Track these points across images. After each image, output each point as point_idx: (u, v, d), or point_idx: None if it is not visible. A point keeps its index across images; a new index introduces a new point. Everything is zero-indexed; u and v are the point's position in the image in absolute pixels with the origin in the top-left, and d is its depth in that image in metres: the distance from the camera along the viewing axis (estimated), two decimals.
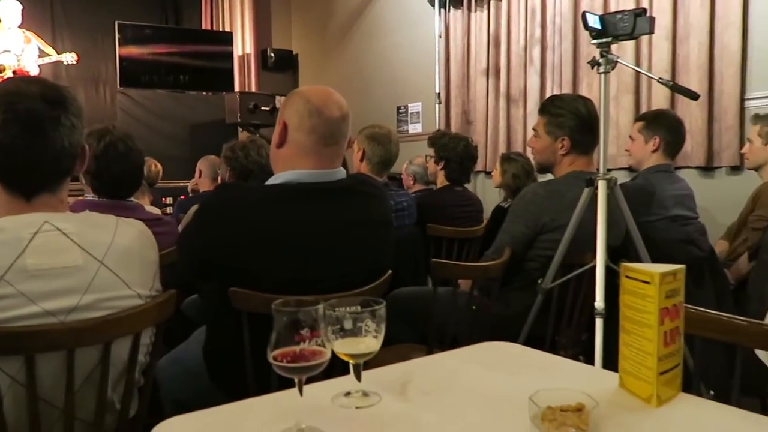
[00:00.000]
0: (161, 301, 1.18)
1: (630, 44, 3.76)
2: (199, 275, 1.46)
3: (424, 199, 2.98)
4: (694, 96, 1.81)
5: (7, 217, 1.08)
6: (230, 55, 6.50)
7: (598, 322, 1.76)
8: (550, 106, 2.15)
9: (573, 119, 2.08)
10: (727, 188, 3.46)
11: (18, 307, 1.03)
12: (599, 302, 1.77)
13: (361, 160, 2.61)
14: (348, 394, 0.92)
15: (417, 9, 5.39)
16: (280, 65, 6.67)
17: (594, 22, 1.70)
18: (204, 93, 6.44)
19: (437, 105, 5.15)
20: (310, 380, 0.97)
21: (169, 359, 1.67)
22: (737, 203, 2.85)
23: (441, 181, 3.15)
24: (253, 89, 6.68)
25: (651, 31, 1.71)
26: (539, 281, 1.96)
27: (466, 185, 3.26)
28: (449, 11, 5.08)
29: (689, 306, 0.98)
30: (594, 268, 1.85)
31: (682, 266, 0.92)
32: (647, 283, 0.89)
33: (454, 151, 3.02)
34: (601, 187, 1.82)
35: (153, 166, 4.47)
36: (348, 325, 0.88)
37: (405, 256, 2.54)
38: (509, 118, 4.62)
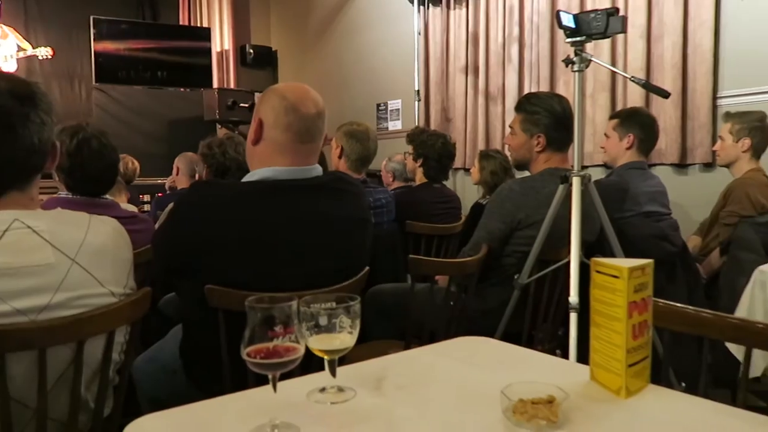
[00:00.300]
0: (135, 299, 1.17)
1: (606, 43, 3.82)
2: (175, 273, 1.45)
3: (402, 196, 2.99)
4: (664, 94, 1.85)
5: None
6: (208, 51, 6.45)
7: (573, 317, 1.79)
8: (525, 104, 2.17)
9: (548, 117, 2.10)
10: (700, 185, 3.53)
11: None
12: (573, 297, 1.80)
13: (340, 158, 2.61)
14: (323, 389, 0.93)
15: (396, 6, 5.40)
16: (259, 62, 6.63)
17: (568, 20, 1.72)
18: (182, 89, 6.38)
19: (416, 102, 5.17)
20: (285, 376, 0.97)
21: (145, 358, 1.66)
22: (710, 199, 2.91)
23: (420, 178, 3.16)
24: (232, 86, 6.63)
25: (623, 30, 1.74)
26: (516, 277, 1.99)
27: (444, 182, 3.28)
28: (428, 8, 5.10)
29: (657, 299, 1.00)
30: (569, 263, 1.88)
31: (650, 261, 0.94)
32: (616, 277, 0.91)
33: (433, 149, 3.04)
34: (576, 183, 1.84)
35: (130, 163, 4.42)
36: (323, 321, 0.89)
37: (384, 252, 2.54)
38: (488, 116, 4.65)
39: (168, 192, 4.16)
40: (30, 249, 1.06)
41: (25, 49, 5.74)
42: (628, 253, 1.98)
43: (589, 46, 3.88)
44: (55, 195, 1.93)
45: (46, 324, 1.04)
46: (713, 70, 3.45)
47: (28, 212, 1.11)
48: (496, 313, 2.02)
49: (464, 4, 4.80)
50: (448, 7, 4.93)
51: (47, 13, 6.67)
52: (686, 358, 1.76)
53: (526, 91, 4.30)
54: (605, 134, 2.76)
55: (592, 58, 1.82)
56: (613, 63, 3.83)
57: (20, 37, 5.79)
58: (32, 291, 1.05)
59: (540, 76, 4.27)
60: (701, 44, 3.46)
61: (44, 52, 5.67)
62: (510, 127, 2.26)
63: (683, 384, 1.93)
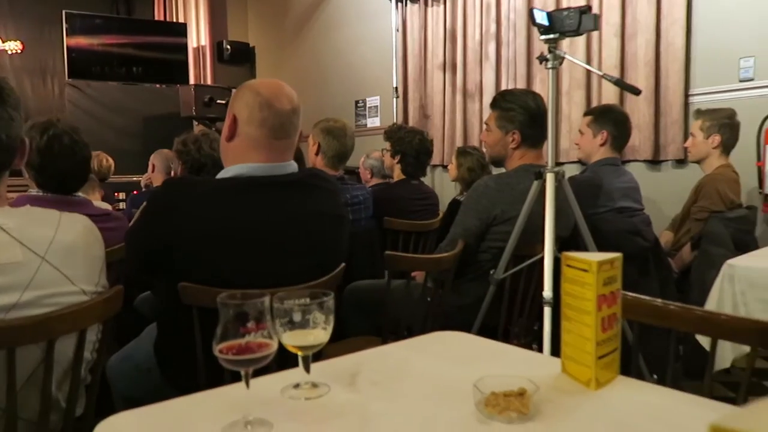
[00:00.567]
0: (108, 297, 1.16)
1: (582, 41, 3.86)
2: (149, 270, 1.44)
3: (380, 193, 2.99)
4: (635, 92, 1.88)
5: None
6: (184, 46, 6.37)
7: (547, 311, 1.81)
8: (500, 101, 2.19)
9: (523, 114, 2.12)
10: (672, 181, 3.59)
11: None
12: (547, 291, 1.82)
13: (317, 154, 2.60)
14: (297, 385, 0.93)
15: (374, 3, 5.39)
16: (236, 58, 6.57)
17: (541, 18, 1.74)
18: (158, 85, 6.29)
19: (395, 99, 5.17)
20: (260, 373, 0.97)
21: (119, 356, 1.64)
22: (682, 195, 2.97)
23: (397, 174, 3.17)
24: (209, 82, 6.55)
25: (596, 28, 1.76)
26: (491, 272, 2.01)
27: (422, 179, 3.29)
28: (406, 5, 5.10)
29: (626, 293, 1.02)
30: (544, 258, 1.90)
31: (619, 254, 0.96)
32: (586, 271, 0.93)
33: (410, 145, 3.05)
34: (549, 179, 1.87)
35: (104, 160, 4.36)
36: (297, 317, 0.89)
37: (361, 249, 2.55)
38: (466, 113, 4.68)
39: (144, 189, 4.11)
40: None
41: None
42: (602, 248, 2.01)
43: (565, 44, 3.95)
44: (25, 193, 1.90)
45: (15, 323, 1.02)
46: (685, 67, 3.51)
47: None
48: (472, 308, 2.04)
49: (441, 1, 4.81)
50: (425, 4, 4.94)
51: (18, 7, 6.51)
52: (659, 351, 1.80)
53: (503, 88, 4.33)
54: (579, 131, 2.80)
55: (566, 56, 1.84)
56: (589, 60, 3.88)
57: None
58: (0, 289, 1.04)
59: (517, 74, 4.30)
60: (673, 42, 3.52)
61: (13, 46, 5.56)
62: (485, 123, 2.28)
63: (655, 376, 1.97)
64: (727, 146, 2.81)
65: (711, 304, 2.12)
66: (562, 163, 4.06)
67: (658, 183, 3.66)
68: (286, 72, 6.31)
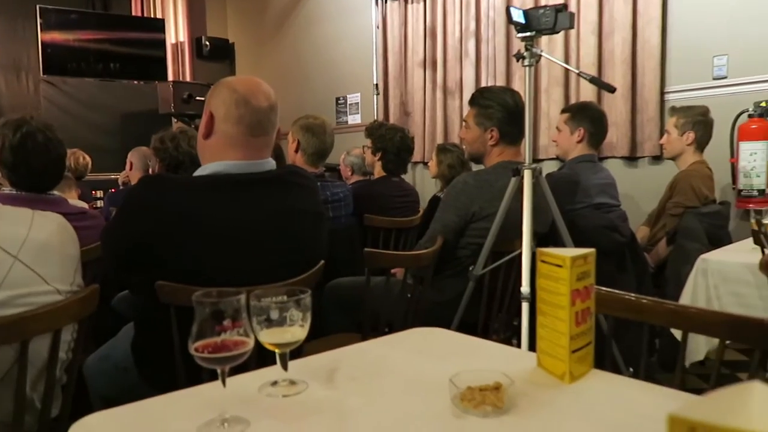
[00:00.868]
0: (83, 296, 1.15)
1: (560, 39, 3.90)
2: (126, 269, 1.43)
3: (360, 190, 2.99)
4: (610, 89, 1.91)
5: None
6: (162, 42, 6.29)
7: (524, 306, 1.83)
8: (479, 98, 2.21)
9: (501, 111, 2.14)
10: (649, 177, 3.65)
11: None
12: (525, 287, 1.84)
13: (296, 152, 2.60)
14: (275, 383, 0.93)
15: None
16: (215, 54, 6.51)
17: (518, 16, 1.75)
18: (135, 82, 6.22)
19: (375, 96, 5.17)
20: (238, 371, 0.97)
21: (97, 356, 1.62)
22: (659, 191, 3.02)
23: (378, 171, 3.17)
24: (188, 78, 6.50)
25: (571, 26, 1.78)
26: (470, 268, 2.02)
27: (403, 176, 3.30)
28: (386, 2, 5.10)
29: (600, 287, 1.04)
30: (522, 254, 1.91)
31: (592, 250, 0.97)
32: (559, 266, 0.94)
33: (391, 142, 3.05)
34: (527, 176, 1.88)
35: (81, 158, 4.30)
36: (274, 315, 0.89)
37: (342, 246, 2.55)
38: (446, 110, 4.70)
39: (121, 187, 4.06)
40: None
41: None
42: (579, 244, 2.03)
43: (544, 41, 3.98)
44: None
45: None
46: (661, 65, 3.57)
47: None
48: (452, 304, 2.05)
49: None
50: (405, 1, 4.95)
51: None
52: (635, 344, 1.83)
53: (483, 85, 4.36)
54: (557, 128, 2.83)
55: (543, 53, 1.86)
56: (567, 58, 3.92)
57: None
58: None
59: (496, 71, 4.33)
60: (649, 40, 3.57)
61: None
62: (464, 121, 2.29)
63: (631, 369, 2.01)
64: (701, 143, 2.86)
65: (685, 298, 2.16)
66: (541, 160, 4.10)
67: (635, 179, 3.71)
68: (265, 68, 6.28)
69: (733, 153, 3.30)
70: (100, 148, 5.31)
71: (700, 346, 2.07)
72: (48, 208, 1.30)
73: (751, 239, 2.07)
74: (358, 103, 5.48)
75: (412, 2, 4.90)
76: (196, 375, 1.16)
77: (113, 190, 4.19)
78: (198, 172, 1.39)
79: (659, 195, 3.00)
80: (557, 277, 0.95)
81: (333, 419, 0.84)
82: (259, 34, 6.45)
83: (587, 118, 2.70)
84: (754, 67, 3.28)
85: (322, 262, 1.51)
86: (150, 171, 3.26)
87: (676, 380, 1.08)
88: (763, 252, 1.90)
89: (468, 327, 1.99)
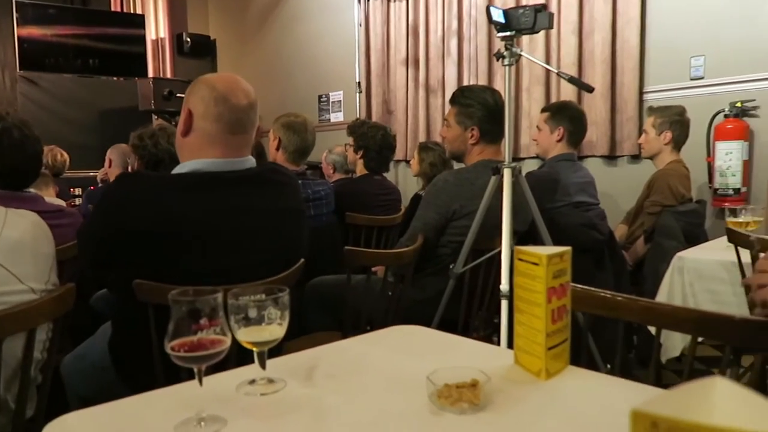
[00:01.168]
0: (58, 295, 1.14)
1: (541, 39, 3.93)
2: (103, 267, 1.41)
3: (342, 188, 2.99)
4: (588, 89, 1.93)
5: None
6: (142, 38, 6.21)
7: (504, 304, 1.84)
8: (459, 97, 2.22)
9: (481, 110, 2.15)
10: (628, 176, 3.70)
11: None
12: (504, 285, 1.85)
13: (277, 149, 2.59)
14: (253, 381, 0.93)
15: None
16: (196, 51, 6.45)
17: (498, 16, 1.77)
18: (114, 78, 6.13)
19: (358, 94, 5.17)
20: (217, 370, 0.96)
21: (74, 356, 1.61)
22: (638, 189, 3.06)
23: (360, 169, 3.17)
24: (169, 75, 6.42)
25: (550, 26, 1.79)
26: (451, 266, 2.03)
27: (385, 174, 3.31)
28: (369, 0, 5.09)
29: (576, 285, 1.05)
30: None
31: (568, 248, 0.98)
32: (536, 264, 0.95)
33: (373, 140, 3.05)
34: (506, 175, 1.90)
35: (59, 155, 4.24)
36: (252, 313, 0.89)
37: (323, 244, 2.54)
38: (428, 108, 4.71)
39: (100, 185, 4.01)
40: None
41: None
42: (559, 242, 2.05)
43: (525, 41, 4.00)
44: None
45: None
46: (639, 65, 3.61)
47: None
48: (433, 302, 2.06)
49: None
50: None
51: None
52: (613, 341, 1.85)
53: (465, 84, 4.38)
54: (537, 127, 2.85)
55: (522, 53, 1.88)
56: (548, 58, 3.95)
57: None
58: None
59: (478, 70, 4.35)
60: (629, 41, 3.61)
61: None
62: (445, 119, 2.30)
63: (608, 365, 2.03)
64: (678, 142, 2.90)
65: (662, 295, 2.20)
66: (523, 159, 4.13)
67: (615, 178, 3.76)
68: (248, 66, 6.24)
69: (710, 152, 3.35)
70: (79, 145, 5.24)
71: (676, 343, 2.10)
72: (23, 206, 1.28)
73: (725, 237, 2.11)
74: (340, 101, 5.47)
75: (395, 1, 4.90)
76: (174, 374, 1.15)
77: (92, 187, 4.14)
78: (176, 170, 1.38)
79: (638, 193, 3.04)
80: (534, 275, 0.96)
81: (311, 417, 0.84)
82: (241, 31, 6.41)
83: (567, 118, 2.72)
84: (731, 67, 3.33)
85: (302, 260, 1.51)
86: (129, 168, 3.23)
87: (650, 376, 1.10)
88: (742, 273, 1.92)
89: (449, 325, 2.00)
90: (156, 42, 6.57)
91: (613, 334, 1.71)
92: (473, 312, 2.13)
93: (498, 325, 2.24)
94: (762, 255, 0.96)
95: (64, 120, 5.73)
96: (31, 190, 1.86)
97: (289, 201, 1.49)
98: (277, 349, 1.13)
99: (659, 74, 3.59)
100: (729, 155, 3.21)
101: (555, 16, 3.80)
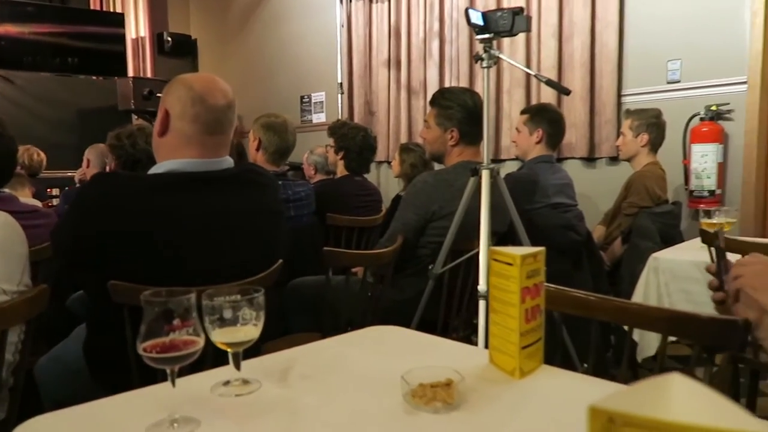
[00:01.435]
0: (31, 296, 1.12)
1: (521, 42, 3.97)
2: (78, 268, 1.39)
3: (323, 189, 2.99)
4: (565, 91, 1.95)
5: None
6: (122, 37, 6.15)
7: (482, 304, 1.86)
8: (439, 99, 2.23)
9: (461, 111, 2.17)
10: (606, 177, 3.74)
11: None
12: (482, 285, 1.87)
13: (257, 150, 2.58)
14: (227, 383, 0.92)
15: None
16: (177, 50, 6.40)
17: (476, 18, 1.78)
18: (94, 77, 6.06)
19: (339, 95, 5.17)
20: (192, 371, 0.96)
21: (48, 358, 1.58)
22: (616, 191, 3.10)
23: (341, 170, 3.17)
24: (149, 75, 6.36)
25: (527, 29, 1.81)
26: (430, 267, 2.04)
27: (366, 175, 3.31)
28: (351, 1, 5.10)
29: (549, 285, 1.07)
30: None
31: (542, 249, 1.00)
32: (510, 264, 0.96)
33: (353, 141, 3.06)
34: (485, 176, 1.91)
35: (35, 154, 4.18)
36: (227, 314, 0.88)
37: (304, 245, 2.54)
38: (410, 109, 4.72)
39: (77, 185, 3.96)
40: None
41: None
42: (537, 242, 2.06)
43: (506, 44, 4.03)
44: None
45: None
46: (618, 69, 3.66)
47: None
48: (412, 302, 2.07)
49: None
50: (370, 0, 4.95)
51: None
52: (591, 342, 1.87)
53: (446, 85, 4.40)
54: (516, 129, 2.88)
55: (501, 56, 1.89)
56: (528, 61, 3.98)
57: None
58: None
59: (460, 71, 4.37)
60: (607, 44, 3.66)
61: None
62: (425, 121, 2.31)
63: (585, 365, 2.05)
64: (654, 144, 2.95)
65: (638, 295, 2.23)
66: (503, 160, 4.16)
67: (594, 179, 3.80)
68: (229, 66, 6.20)
69: (686, 155, 3.41)
70: (57, 144, 5.17)
71: (651, 342, 2.13)
72: None
73: (699, 238, 2.15)
74: (322, 101, 5.46)
75: (377, 2, 4.91)
76: (150, 376, 1.14)
77: (69, 188, 4.08)
78: (153, 170, 1.37)
79: (616, 195, 3.08)
80: (508, 275, 0.97)
81: (285, 418, 0.84)
82: (223, 31, 6.37)
83: (545, 120, 2.75)
84: (706, 71, 3.39)
85: (281, 261, 1.51)
86: (107, 168, 3.19)
87: (622, 375, 1.12)
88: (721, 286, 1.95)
89: (428, 325, 2.01)
90: (136, 41, 6.50)
91: (592, 335, 1.74)
92: (452, 312, 2.14)
93: (477, 325, 2.26)
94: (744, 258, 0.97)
95: (41, 119, 5.65)
96: (6, 190, 1.83)
97: (266, 202, 1.49)
98: (256, 351, 1.13)
99: (637, 77, 3.64)
100: (704, 158, 3.27)
101: (535, 20, 3.85)
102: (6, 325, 1.07)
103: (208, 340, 0.86)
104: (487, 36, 1.83)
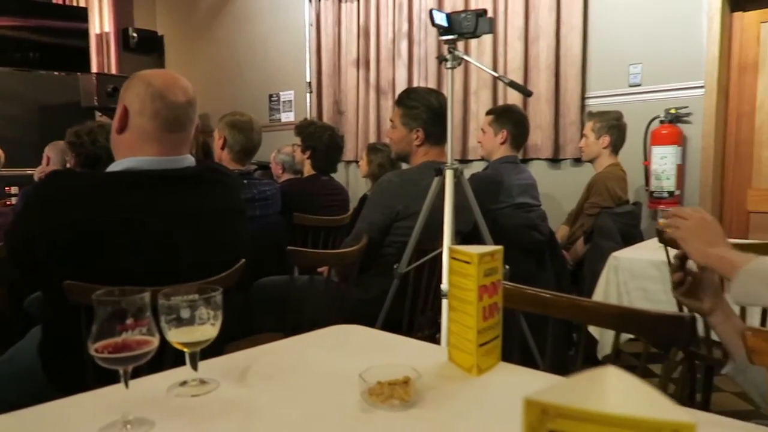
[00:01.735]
0: None
1: (488, 44, 4.01)
2: (33, 269, 1.36)
3: (289, 188, 2.97)
4: (527, 93, 1.99)
5: None
6: (85, 32, 6.01)
7: (444, 303, 1.87)
8: (405, 99, 2.25)
9: (426, 112, 2.19)
10: (571, 178, 3.81)
11: None
12: (445, 284, 1.88)
13: (222, 149, 2.55)
14: (184, 383, 0.92)
15: None
16: (143, 47, 6.28)
17: (440, 19, 1.79)
18: (56, 73, 5.91)
19: (308, 94, 5.15)
20: (149, 371, 0.95)
21: (2, 360, 1.54)
22: (580, 192, 3.16)
23: (308, 170, 3.16)
24: (113, 71, 6.23)
25: (490, 31, 1.84)
26: (395, 266, 2.05)
27: (334, 174, 3.30)
28: (320, 0, 5.08)
29: (506, 282, 1.08)
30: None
31: (500, 247, 1.01)
32: (468, 263, 0.97)
33: (320, 140, 3.05)
34: (448, 176, 1.93)
35: None
36: (185, 314, 0.88)
37: (269, 245, 2.52)
38: (379, 109, 4.73)
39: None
40: None
41: None
42: (501, 242, 2.08)
43: (474, 45, 4.07)
44: None
45: None
46: (581, 71, 3.73)
47: None
48: (377, 301, 2.08)
49: None
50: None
51: None
52: (554, 340, 1.90)
53: (415, 85, 4.42)
54: (482, 129, 2.91)
55: (465, 56, 1.91)
56: (495, 62, 4.03)
57: None
58: None
59: (428, 72, 4.40)
60: (572, 48, 3.73)
61: None
62: (391, 120, 2.32)
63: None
64: (615, 146, 3.02)
65: (598, 294, 2.28)
66: (470, 160, 4.20)
67: (558, 180, 3.87)
68: (197, 63, 6.12)
69: (646, 156, 3.49)
70: (16, 141, 5.03)
71: (611, 339, 2.18)
72: None
73: (657, 238, 2.21)
74: (291, 100, 5.43)
75: (346, 1, 4.90)
76: (107, 377, 1.12)
77: (28, 186, 3.97)
78: (111, 168, 1.34)
79: (580, 195, 3.14)
80: (466, 273, 0.98)
81: (241, 418, 0.84)
82: (190, 28, 6.28)
83: (510, 121, 2.79)
84: (666, 75, 3.49)
85: (243, 261, 1.50)
86: (67, 166, 3.12)
87: (578, 371, 1.14)
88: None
89: (393, 325, 2.02)
90: (100, 36, 6.36)
91: (556, 332, 1.77)
92: (417, 311, 2.15)
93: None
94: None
95: (0, 115, 5.49)
96: None
97: (228, 201, 1.48)
98: (218, 351, 1.12)
99: (600, 81, 3.72)
100: (664, 159, 3.36)
101: (502, 22, 3.90)
102: None
103: (165, 341, 0.86)
104: (451, 37, 1.84)
